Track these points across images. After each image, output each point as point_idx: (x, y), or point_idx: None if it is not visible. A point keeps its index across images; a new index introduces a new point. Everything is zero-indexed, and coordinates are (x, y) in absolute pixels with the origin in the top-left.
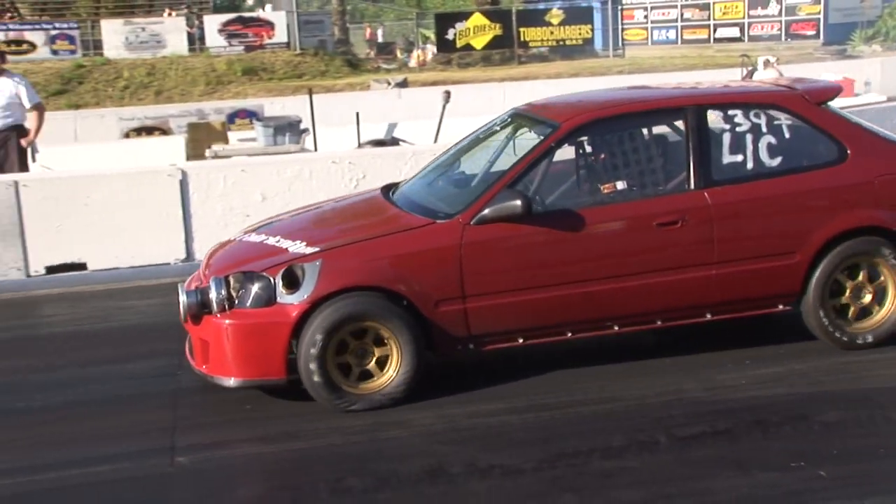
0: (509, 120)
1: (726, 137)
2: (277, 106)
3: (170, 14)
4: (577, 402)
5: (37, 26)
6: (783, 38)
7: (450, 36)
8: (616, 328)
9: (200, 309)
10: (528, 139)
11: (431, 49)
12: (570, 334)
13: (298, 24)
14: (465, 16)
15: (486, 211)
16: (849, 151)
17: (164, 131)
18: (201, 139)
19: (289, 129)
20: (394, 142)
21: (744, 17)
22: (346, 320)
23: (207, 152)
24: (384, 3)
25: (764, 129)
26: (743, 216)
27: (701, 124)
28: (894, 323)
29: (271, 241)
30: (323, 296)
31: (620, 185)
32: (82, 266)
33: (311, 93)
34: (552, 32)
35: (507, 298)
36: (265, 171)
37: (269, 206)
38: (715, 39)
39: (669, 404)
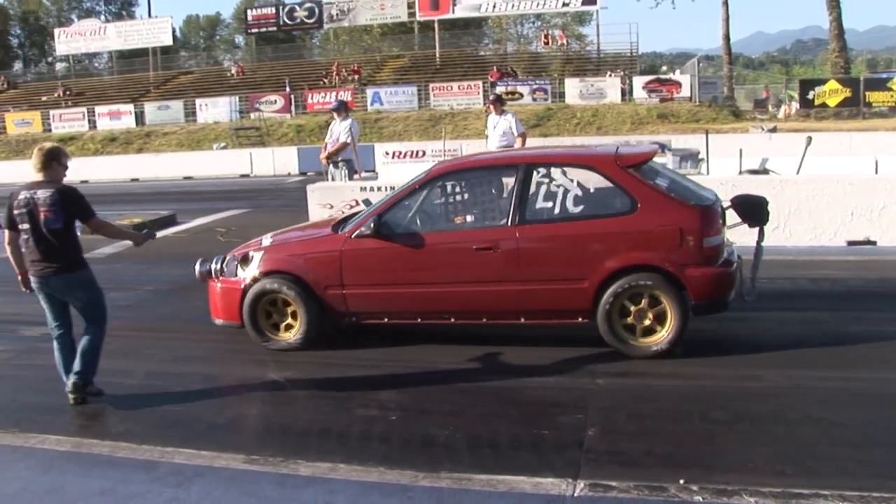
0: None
1: (543, 188)
2: (681, 141)
3: (610, 75)
4: None
5: (524, 82)
6: None
7: (810, 96)
8: (452, 320)
9: (207, 275)
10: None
11: (795, 105)
12: (419, 320)
13: (699, 84)
14: (822, 81)
15: (361, 229)
16: (638, 205)
17: None
18: None
19: (690, 158)
20: (765, 172)
21: None
22: (268, 291)
23: None
24: (761, 70)
25: (574, 184)
26: (543, 248)
27: (526, 178)
28: (670, 342)
29: (265, 239)
30: (256, 274)
31: (460, 218)
32: None
33: (707, 133)
34: (892, 96)
35: (370, 290)
36: None
37: None
38: None
39: None
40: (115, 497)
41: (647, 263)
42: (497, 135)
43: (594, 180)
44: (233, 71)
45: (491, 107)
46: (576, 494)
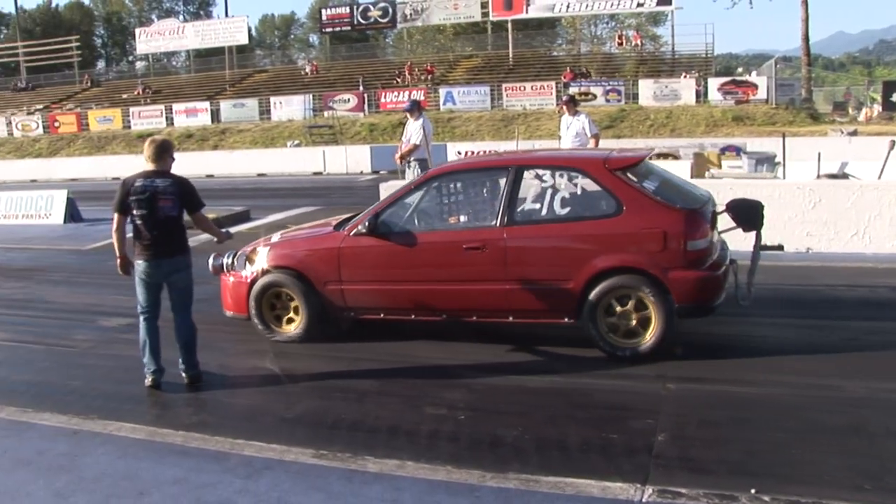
0: None
1: (532, 190)
2: (756, 144)
3: (685, 76)
4: None
5: (597, 83)
6: None
7: (894, 98)
8: (444, 317)
9: (220, 269)
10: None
11: (877, 108)
12: (413, 316)
13: (775, 85)
14: None
15: (358, 228)
16: (624, 208)
17: (675, 157)
18: (702, 164)
19: (766, 162)
20: (844, 176)
21: None
22: (272, 285)
23: (707, 174)
24: (841, 72)
25: (562, 186)
26: (529, 248)
27: (516, 180)
28: (654, 344)
29: (275, 236)
30: (262, 269)
31: (453, 218)
32: None
33: (783, 136)
34: None
35: (366, 286)
36: (747, 191)
37: None
38: None
39: None
40: (187, 486)
41: (631, 266)
42: (570, 135)
43: (583, 183)
44: (307, 70)
45: (564, 107)
46: (644, 500)
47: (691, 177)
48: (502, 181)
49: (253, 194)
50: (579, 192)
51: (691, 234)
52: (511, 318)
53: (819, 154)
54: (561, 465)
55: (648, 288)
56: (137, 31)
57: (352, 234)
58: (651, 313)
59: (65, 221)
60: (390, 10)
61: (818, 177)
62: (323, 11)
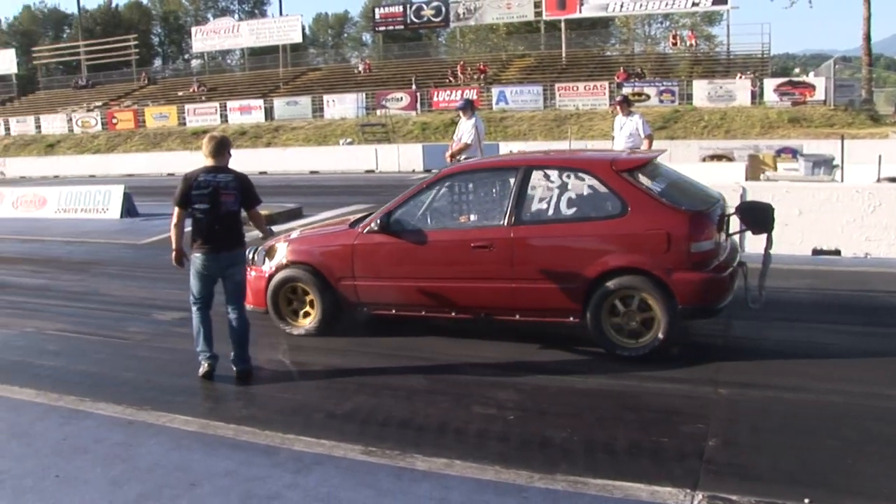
0: None
1: (539, 190)
2: (813, 146)
3: (740, 77)
4: None
5: (651, 83)
6: None
7: None
8: (453, 314)
9: None
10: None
11: None
12: (423, 312)
13: (834, 86)
14: None
15: (371, 226)
16: (629, 209)
17: (730, 159)
18: (756, 166)
19: (823, 164)
20: None
21: None
22: (288, 280)
23: (762, 176)
24: None
25: (569, 187)
26: (535, 248)
27: (524, 179)
28: (657, 345)
29: (294, 233)
30: (280, 264)
31: (463, 217)
32: None
33: (842, 138)
34: None
35: (378, 282)
36: (803, 193)
37: (804, 219)
38: None
39: None
40: (237, 478)
41: (635, 266)
42: (623, 136)
43: (589, 184)
44: (360, 68)
45: (618, 108)
46: None
47: (746, 179)
48: (511, 181)
49: (305, 191)
50: (586, 193)
51: (695, 236)
52: (518, 316)
53: (879, 157)
54: (609, 468)
55: (652, 289)
56: (193, 29)
57: (365, 231)
58: (655, 314)
59: (121, 216)
60: (443, 10)
61: (878, 180)
62: (376, 10)
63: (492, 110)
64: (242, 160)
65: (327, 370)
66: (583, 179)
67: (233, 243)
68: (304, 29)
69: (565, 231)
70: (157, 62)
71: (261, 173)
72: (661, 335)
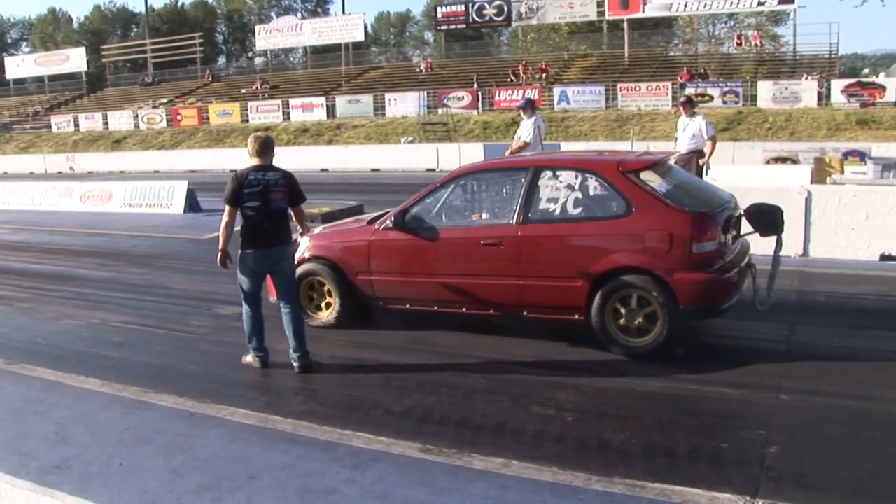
0: None
1: (547, 190)
2: (883, 149)
3: (806, 78)
4: None
5: (714, 84)
6: None
7: None
8: (463, 309)
9: None
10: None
11: None
12: (435, 308)
13: None
14: None
15: (387, 223)
16: (633, 209)
17: (794, 161)
18: (822, 169)
19: (893, 167)
20: None
21: None
22: (308, 274)
23: (828, 179)
24: None
25: (576, 187)
26: (542, 246)
27: (534, 180)
28: (658, 344)
29: (317, 228)
30: (302, 258)
31: (475, 216)
32: None
33: None
34: None
35: (393, 277)
36: (871, 198)
37: (871, 224)
38: None
39: None
40: (295, 472)
41: (637, 266)
42: (686, 137)
43: (596, 184)
44: (421, 67)
45: (681, 108)
46: None
47: (811, 182)
48: (521, 181)
49: (366, 189)
50: (592, 193)
51: (697, 237)
52: (525, 313)
53: None
54: (668, 472)
55: (654, 288)
56: (257, 28)
57: (381, 228)
58: (657, 313)
59: (184, 211)
60: (505, 9)
61: None
62: (438, 9)
63: (553, 110)
64: (303, 158)
65: (386, 367)
66: (590, 180)
67: (282, 239)
68: (366, 27)
69: (571, 230)
70: (221, 60)
71: (322, 170)
72: (663, 334)
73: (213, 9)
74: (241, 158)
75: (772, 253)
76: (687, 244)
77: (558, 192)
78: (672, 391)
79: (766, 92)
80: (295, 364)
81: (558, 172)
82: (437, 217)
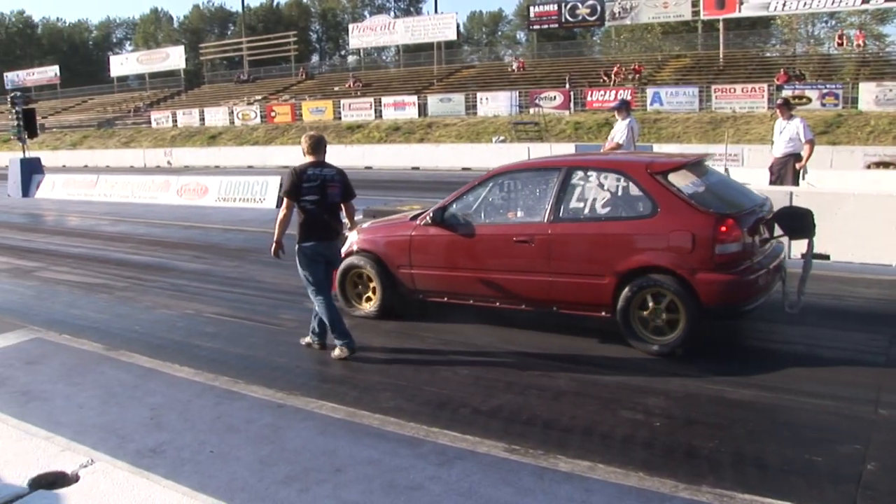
0: None
1: (578, 189)
2: None
3: None
4: None
5: (813, 86)
6: None
7: None
8: (497, 304)
9: None
10: None
11: None
12: (471, 301)
13: None
14: None
15: (426, 219)
16: (659, 209)
17: None
18: None
19: None
20: None
21: None
22: (353, 266)
23: None
24: None
25: (605, 187)
26: (570, 244)
27: (565, 179)
28: (679, 343)
29: (366, 223)
30: (349, 251)
31: (511, 213)
32: (826, 256)
33: None
34: None
35: (432, 271)
36: None
37: None
38: None
39: None
40: (381, 467)
41: (660, 265)
42: (783, 140)
43: (624, 185)
44: (513, 66)
45: (778, 111)
46: None
47: None
48: (553, 180)
49: (457, 188)
50: (620, 194)
51: (721, 238)
52: (555, 309)
53: None
54: (758, 484)
55: (676, 288)
56: (350, 26)
57: (421, 223)
58: (679, 312)
59: (277, 206)
60: (598, 9)
61: None
62: (531, 9)
63: (646, 111)
64: (394, 155)
65: (474, 366)
66: (619, 181)
67: (338, 232)
68: (458, 27)
69: (598, 229)
70: (315, 58)
71: (413, 168)
72: (683, 334)
73: (307, 8)
74: (332, 155)
75: (804, 256)
76: (709, 245)
77: (589, 192)
78: (765, 400)
79: (869, 94)
80: (349, 348)
81: (589, 173)
82: (474, 214)
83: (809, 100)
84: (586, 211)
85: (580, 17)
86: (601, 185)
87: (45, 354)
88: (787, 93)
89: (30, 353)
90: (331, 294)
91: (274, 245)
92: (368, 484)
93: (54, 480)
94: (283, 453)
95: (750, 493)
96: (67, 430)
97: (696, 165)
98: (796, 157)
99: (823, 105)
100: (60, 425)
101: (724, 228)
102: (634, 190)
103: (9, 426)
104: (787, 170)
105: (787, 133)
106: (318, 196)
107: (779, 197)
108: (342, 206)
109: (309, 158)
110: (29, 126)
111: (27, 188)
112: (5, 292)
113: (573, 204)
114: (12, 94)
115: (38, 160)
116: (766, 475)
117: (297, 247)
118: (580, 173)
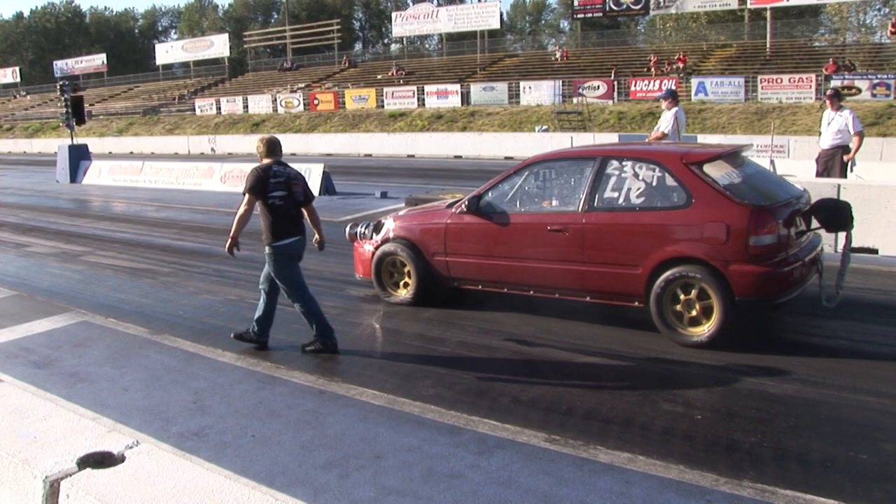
0: None
1: (613, 179)
2: None
3: None
4: None
5: (863, 76)
6: None
7: None
8: (531, 293)
9: (354, 237)
10: None
11: None
12: (505, 290)
13: None
14: None
15: (462, 207)
16: (693, 200)
17: None
18: None
19: None
20: None
21: None
22: (389, 253)
23: None
24: None
25: (640, 177)
26: (604, 233)
27: (600, 169)
28: (712, 334)
29: (402, 211)
30: (385, 238)
31: (546, 203)
32: (874, 251)
33: None
34: None
35: (466, 259)
36: None
37: None
38: None
39: None
40: (420, 455)
41: (694, 256)
42: (831, 132)
43: (659, 175)
44: (557, 55)
45: (827, 101)
46: None
47: None
48: (588, 170)
49: None
50: (655, 184)
51: (755, 229)
52: (588, 298)
53: None
54: (800, 480)
55: (710, 279)
56: (394, 14)
57: (457, 212)
58: (712, 304)
59: (319, 193)
60: None
61: None
62: None
63: (690, 101)
64: (437, 144)
65: (516, 355)
66: (653, 171)
67: (305, 229)
68: (501, 15)
69: (632, 219)
70: (358, 46)
71: (455, 157)
72: (717, 325)
73: None
74: (375, 143)
75: (842, 250)
76: (743, 236)
77: (623, 182)
78: (808, 395)
79: None
80: (329, 343)
81: (624, 162)
82: (509, 203)
83: (859, 90)
84: (621, 201)
85: (624, 6)
86: (636, 175)
87: (91, 337)
88: (836, 83)
89: (77, 336)
90: (308, 289)
91: (230, 241)
92: (408, 471)
93: (101, 460)
94: (323, 439)
95: (792, 489)
96: (113, 411)
97: (732, 156)
98: (844, 149)
99: (874, 96)
100: (107, 407)
101: (758, 219)
102: (669, 180)
103: (58, 406)
104: (834, 162)
105: (836, 125)
106: (286, 192)
107: (826, 189)
108: (305, 211)
109: (267, 161)
110: (77, 113)
111: (75, 174)
112: (54, 276)
113: (608, 193)
114: (61, 82)
115: (85, 147)
116: (810, 471)
117: (269, 249)
118: (615, 163)
